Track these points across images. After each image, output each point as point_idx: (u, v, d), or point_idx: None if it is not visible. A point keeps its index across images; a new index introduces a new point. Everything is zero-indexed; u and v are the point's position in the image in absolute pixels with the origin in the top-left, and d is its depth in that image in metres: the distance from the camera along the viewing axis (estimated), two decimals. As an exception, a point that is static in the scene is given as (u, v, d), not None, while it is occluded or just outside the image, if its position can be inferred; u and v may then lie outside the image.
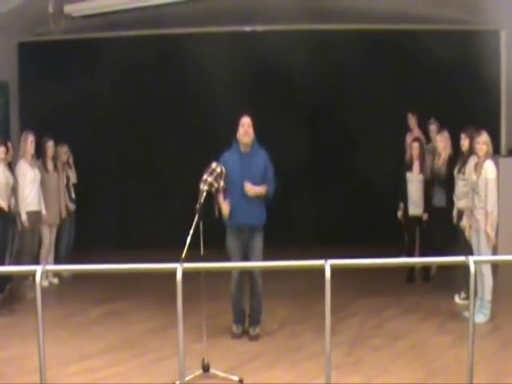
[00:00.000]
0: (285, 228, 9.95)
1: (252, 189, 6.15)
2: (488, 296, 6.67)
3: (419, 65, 10.02)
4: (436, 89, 10.26)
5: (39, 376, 3.93)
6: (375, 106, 10.04)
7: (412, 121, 9.20)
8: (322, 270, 3.91)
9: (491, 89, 10.20)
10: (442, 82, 10.22)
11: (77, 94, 9.97)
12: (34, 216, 7.89)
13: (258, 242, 6.27)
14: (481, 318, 6.55)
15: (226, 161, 6.09)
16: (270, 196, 6.31)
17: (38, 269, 3.88)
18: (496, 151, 10.15)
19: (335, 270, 3.91)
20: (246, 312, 6.50)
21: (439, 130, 8.27)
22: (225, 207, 6.11)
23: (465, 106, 10.16)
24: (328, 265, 3.88)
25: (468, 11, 9.69)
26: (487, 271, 6.65)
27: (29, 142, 7.91)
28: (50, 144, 8.47)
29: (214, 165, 5.72)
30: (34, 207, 7.89)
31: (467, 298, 7.06)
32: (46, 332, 3.92)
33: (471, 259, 3.95)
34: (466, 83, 10.16)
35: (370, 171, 9.84)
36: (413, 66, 10.10)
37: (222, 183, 5.72)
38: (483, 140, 6.71)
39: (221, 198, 6.04)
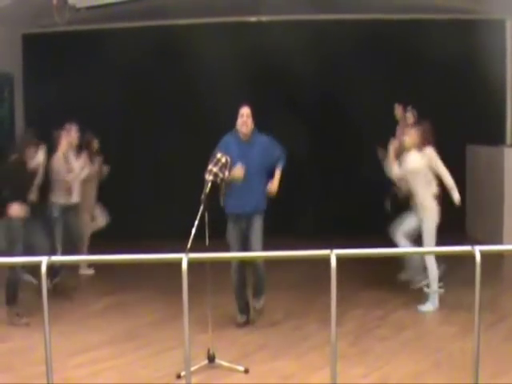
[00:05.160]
0: (286, 219, 9.95)
1: (274, 187, 6.26)
2: (434, 286, 6.86)
3: (422, 55, 9.97)
4: (440, 79, 10.23)
5: (45, 367, 3.94)
6: (379, 96, 10.00)
7: (399, 111, 9.02)
8: (325, 260, 3.90)
9: (496, 79, 10.15)
10: (445, 72, 10.18)
11: (81, 85, 9.97)
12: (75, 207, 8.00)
13: (257, 225, 6.26)
14: (427, 306, 6.81)
15: (225, 148, 6.08)
16: (284, 165, 6.40)
17: (44, 260, 3.88)
18: (501, 141, 10.18)
19: (338, 261, 3.91)
20: (250, 302, 6.53)
21: (416, 120, 8.08)
22: (238, 170, 6.06)
23: (469, 97, 10.14)
24: (333, 254, 3.87)
25: (472, 0, 9.63)
26: (429, 261, 6.81)
27: (74, 134, 7.91)
28: (95, 140, 8.56)
29: (219, 155, 5.72)
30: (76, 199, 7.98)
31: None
32: (51, 323, 3.92)
33: (477, 249, 3.94)
34: (470, 73, 10.11)
35: (372, 162, 9.82)
36: (415, 57, 10.05)
37: (226, 173, 5.72)
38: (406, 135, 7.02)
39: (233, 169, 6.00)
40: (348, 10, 10.00)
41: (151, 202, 10.44)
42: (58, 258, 6.68)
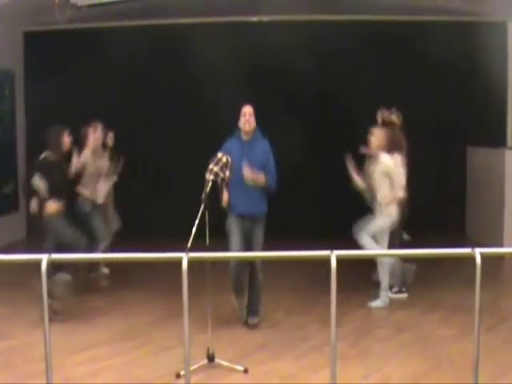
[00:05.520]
0: (286, 219, 9.93)
1: (250, 173, 6.15)
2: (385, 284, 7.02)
3: (423, 57, 9.97)
4: (441, 81, 10.23)
5: (45, 365, 3.94)
6: (379, 97, 9.99)
7: (385, 114, 8.84)
8: (325, 261, 3.90)
9: (497, 81, 10.15)
10: (446, 74, 10.18)
11: (82, 83, 9.98)
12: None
13: (258, 235, 6.27)
14: (378, 303, 6.96)
15: (227, 149, 6.10)
16: (271, 186, 6.30)
17: (44, 257, 3.88)
18: (502, 143, 10.18)
19: (338, 262, 3.91)
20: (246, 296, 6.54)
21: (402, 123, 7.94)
22: (225, 197, 6.11)
23: (471, 99, 10.15)
24: (334, 255, 3.87)
25: (474, 2, 9.62)
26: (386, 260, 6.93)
27: (99, 133, 7.85)
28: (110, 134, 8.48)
29: (219, 155, 5.71)
30: None
31: (399, 291, 7.31)
32: (51, 321, 3.92)
33: (477, 251, 3.94)
34: (471, 75, 10.12)
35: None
36: (416, 58, 10.06)
37: (227, 173, 5.71)
38: (372, 135, 7.02)
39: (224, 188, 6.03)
40: (349, 10, 10.01)
41: (151, 201, 10.44)
42: (58, 256, 6.72)
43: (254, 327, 6.38)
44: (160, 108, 10.54)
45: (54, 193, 6.64)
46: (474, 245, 4.30)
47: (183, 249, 4.22)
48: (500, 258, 8.47)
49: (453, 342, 5.86)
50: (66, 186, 6.92)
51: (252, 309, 6.48)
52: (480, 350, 3.97)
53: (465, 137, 10.33)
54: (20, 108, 10.65)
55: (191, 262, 3.87)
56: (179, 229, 5.93)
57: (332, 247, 4.02)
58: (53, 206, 6.63)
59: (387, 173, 6.91)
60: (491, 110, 10.18)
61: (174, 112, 10.55)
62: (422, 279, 8.05)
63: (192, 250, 4.27)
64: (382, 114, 7.94)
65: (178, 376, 5.03)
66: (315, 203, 10.57)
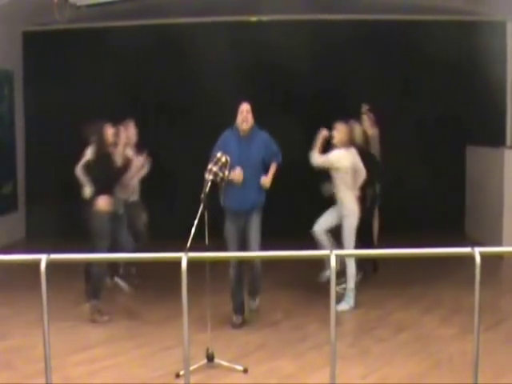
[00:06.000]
0: (285, 219, 9.92)
1: (268, 181, 6.23)
2: (351, 284, 6.84)
3: (422, 56, 9.97)
4: (440, 80, 10.22)
5: (44, 365, 3.93)
6: (379, 97, 10.00)
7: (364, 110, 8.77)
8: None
9: (497, 80, 10.15)
10: (446, 73, 10.18)
11: (81, 83, 9.96)
12: None
13: (254, 223, 6.27)
14: (343, 306, 6.77)
15: (225, 144, 6.08)
16: (280, 164, 6.38)
17: (43, 257, 3.87)
18: (501, 143, 10.18)
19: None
20: (245, 302, 6.54)
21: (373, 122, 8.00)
22: (238, 174, 6.06)
23: (470, 98, 10.14)
24: (333, 255, 3.87)
25: (473, 1, 9.63)
26: (349, 260, 6.73)
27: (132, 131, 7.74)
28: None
29: (219, 154, 5.72)
30: None
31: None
32: (51, 321, 3.92)
33: (477, 250, 3.94)
34: (471, 75, 10.12)
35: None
36: (416, 57, 10.05)
37: (226, 173, 5.71)
38: (335, 130, 6.99)
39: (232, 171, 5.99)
40: (349, 10, 10.00)
41: (151, 201, 10.41)
42: (58, 256, 6.70)
43: (254, 312, 6.45)
44: (159, 108, 10.53)
45: (103, 190, 6.48)
46: (473, 244, 4.29)
47: (183, 249, 4.22)
48: (499, 257, 8.46)
49: (452, 341, 5.86)
50: (115, 182, 6.73)
51: (252, 289, 6.52)
52: (480, 350, 3.96)
53: (464, 136, 10.33)
54: (19, 108, 10.64)
55: (190, 262, 3.86)
56: (179, 229, 5.92)
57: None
58: (103, 203, 6.44)
59: (341, 169, 6.89)
60: (490, 109, 10.18)
61: (173, 111, 10.54)
62: (421, 279, 8.07)
63: (191, 249, 4.27)
64: (367, 115, 7.96)
65: (178, 376, 5.03)
66: (315, 203, 10.54)
